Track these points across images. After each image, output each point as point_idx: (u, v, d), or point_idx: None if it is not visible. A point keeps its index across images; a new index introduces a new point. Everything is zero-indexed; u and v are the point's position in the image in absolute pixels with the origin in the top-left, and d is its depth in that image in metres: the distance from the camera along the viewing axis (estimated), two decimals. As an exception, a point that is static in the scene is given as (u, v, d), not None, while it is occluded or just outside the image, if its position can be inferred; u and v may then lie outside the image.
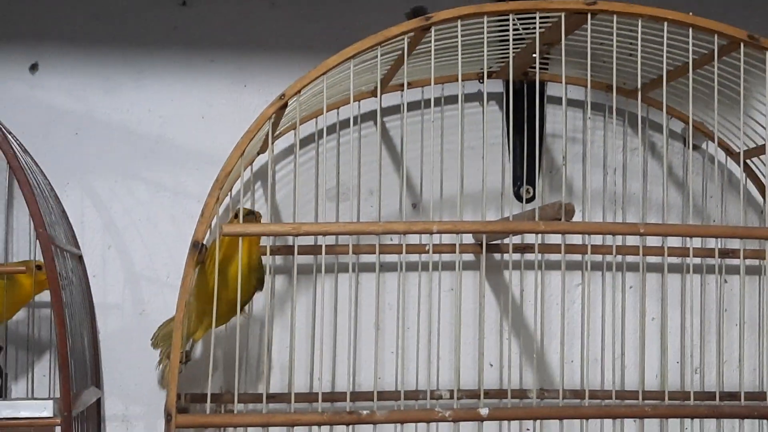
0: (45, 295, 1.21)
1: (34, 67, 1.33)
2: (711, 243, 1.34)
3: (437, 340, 1.30)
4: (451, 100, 1.34)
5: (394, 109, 1.35)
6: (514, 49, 1.21)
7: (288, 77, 1.10)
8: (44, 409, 1.02)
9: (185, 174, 1.33)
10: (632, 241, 1.31)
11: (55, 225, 1.17)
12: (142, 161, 1.34)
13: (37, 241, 1.03)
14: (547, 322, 1.35)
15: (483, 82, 1.35)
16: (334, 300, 1.32)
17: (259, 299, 1.30)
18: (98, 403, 1.28)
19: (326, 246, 1.27)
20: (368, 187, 1.34)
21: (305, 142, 1.34)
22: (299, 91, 1.05)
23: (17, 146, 1.16)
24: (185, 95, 1.35)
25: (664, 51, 1.08)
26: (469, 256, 1.34)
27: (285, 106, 1.06)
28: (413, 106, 1.33)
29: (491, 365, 1.36)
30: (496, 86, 1.38)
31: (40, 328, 1.28)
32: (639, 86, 1.13)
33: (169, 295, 1.29)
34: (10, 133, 1.17)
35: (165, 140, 1.34)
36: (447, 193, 1.31)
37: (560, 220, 1.08)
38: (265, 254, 1.12)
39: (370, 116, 1.34)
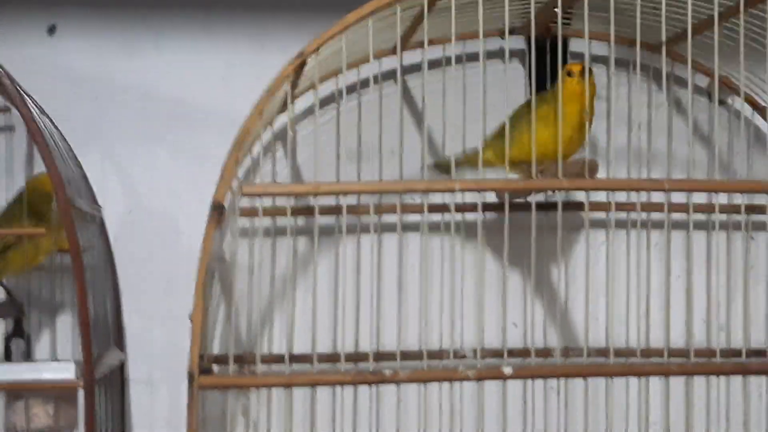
0: (67, 258, 1.22)
1: (52, 30, 1.33)
2: (737, 199, 1.32)
3: (460, 300, 1.30)
4: (473, 57, 1.32)
5: (415, 68, 1.34)
6: (536, 4, 1.19)
7: (308, 37, 1.09)
8: (66, 371, 1.02)
9: (205, 136, 1.33)
10: (657, 198, 1.29)
11: (77, 189, 1.17)
12: (162, 124, 1.33)
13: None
14: (571, 281, 1.35)
15: (505, 39, 1.33)
16: (356, 261, 1.31)
17: (282, 261, 1.30)
18: (121, 366, 1.29)
19: (348, 207, 1.26)
20: (389, 146, 1.33)
21: (325, 102, 1.33)
22: (317, 49, 1.04)
23: (36, 109, 1.15)
24: (204, 57, 1.34)
25: (689, 3, 1.06)
26: (492, 215, 1.33)
27: (303, 64, 1.05)
28: (434, 64, 1.32)
29: (515, 325, 1.35)
30: (518, 43, 1.36)
31: (63, 292, 1.29)
32: (663, 40, 1.11)
33: (190, 257, 1.27)
34: (29, 96, 1.17)
35: (184, 102, 1.34)
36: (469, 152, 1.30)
37: (584, 177, 1.07)
38: (286, 215, 1.13)
39: (390, 75, 1.33)
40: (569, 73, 1.18)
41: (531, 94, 1.33)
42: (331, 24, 1.05)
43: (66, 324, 1.28)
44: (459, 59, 1.32)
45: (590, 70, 1.18)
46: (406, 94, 1.35)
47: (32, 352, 1.27)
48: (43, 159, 1.03)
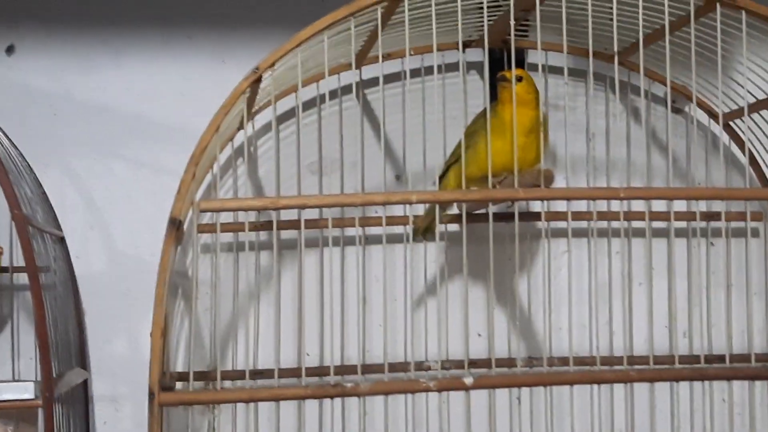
0: (26, 278, 1.21)
1: (10, 49, 1.33)
2: (695, 206, 1.34)
3: (424, 312, 1.30)
4: (432, 70, 1.33)
5: (375, 81, 1.34)
6: (491, 16, 1.20)
7: (267, 52, 1.09)
8: (25, 391, 1.02)
9: (165, 151, 1.33)
10: (616, 206, 1.31)
11: (35, 207, 1.17)
12: (122, 140, 1.33)
13: (13, 222, 1.02)
14: (533, 291, 1.35)
15: (462, 52, 1.34)
16: (319, 274, 1.32)
17: (245, 276, 1.30)
18: (85, 384, 1.28)
19: (310, 221, 1.26)
20: (351, 160, 1.33)
21: (286, 116, 1.33)
22: (273, 65, 1.04)
23: (-8, 128, 1.15)
24: (163, 73, 1.34)
25: (640, 14, 1.07)
26: (453, 227, 1.33)
27: (259, 80, 1.05)
28: (393, 77, 1.33)
29: (479, 335, 1.35)
30: (476, 55, 1.36)
31: (26, 312, 1.28)
32: (616, 51, 1.12)
33: (152, 273, 1.27)
34: (-15, 115, 1.17)
35: (144, 118, 1.33)
36: (430, 163, 1.30)
37: (539, 186, 1.08)
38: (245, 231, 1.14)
39: (350, 89, 1.33)
40: (502, 79, 1.19)
41: (488, 105, 1.35)
42: (290, 39, 1.05)
43: (28, 344, 1.27)
44: (418, 72, 1.32)
45: (521, 77, 1.18)
46: (366, 108, 1.35)
47: (-6, 373, 1.26)
48: (-1, 178, 1.03)
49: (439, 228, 1.14)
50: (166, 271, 1.03)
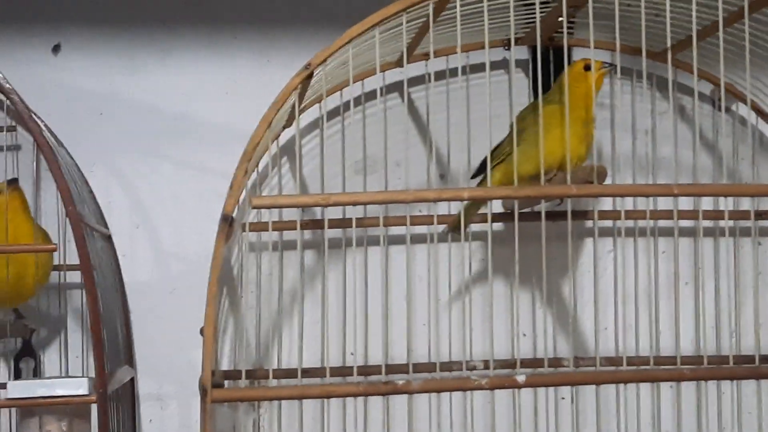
0: (76, 276, 1.21)
1: (56, 49, 1.33)
2: (744, 205, 1.33)
3: (469, 311, 1.29)
4: (477, 68, 1.33)
5: (419, 80, 1.34)
6: (539, 13, 1.19)
7: (312, 51, 1.09)
8: (80, 387, 1.02)
9: (211, 151, 1.33)
10: (664, 205, 1.30)
11: (84, 205, 1.17)
12: (168, 139, 1.33)
13: (67, 219, 1.02)
14: (579, 290, 1.34)
15: (510, 49, 1.34)
16: (364, 274, 1.31)
17: (289, 274, 1.30)
18: (132, 382, 1.28)
19: (357, 219, 1.26)
20: (395, 158, 1.33)
21: (330, 115, 1.33)
22: (324, 61, 1.03)
23: (43, 126, 1.15)
24: (209, 72, 1.34)
25: (694, 10, 1.06)
26: (499, 226, 1.33)
27: (311, 76, 1.05)
28: (438, 75, 1.32)
29: (524, 335, 1.34)
30: (521, 53, 1.36)
31: (72, 311, 1.28)
32: (669, 46, 1.11)
33: (198, 272, 1.27)
34: (35, 113, 1.17)
35: (189, 118, 1.34)
36: (475, 163, 1.30)
37: (592, 182, 1.07)
38: (295, 229, 1.13)
39: (395, 87, 1.33)
40: (587, 68, 1.18)
41: (540, 100, 1.34)
42: (335, 38, 1.05)
43: (75, 342, 1.28)
44: (463, 70, 1.32)
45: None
46: (411, 106, 1.35)
47: (42, 371, 1.26)
48: (53, 174, 1.03)
49: (487, 227, 1.13)
50: (219, 268, 1.02)
